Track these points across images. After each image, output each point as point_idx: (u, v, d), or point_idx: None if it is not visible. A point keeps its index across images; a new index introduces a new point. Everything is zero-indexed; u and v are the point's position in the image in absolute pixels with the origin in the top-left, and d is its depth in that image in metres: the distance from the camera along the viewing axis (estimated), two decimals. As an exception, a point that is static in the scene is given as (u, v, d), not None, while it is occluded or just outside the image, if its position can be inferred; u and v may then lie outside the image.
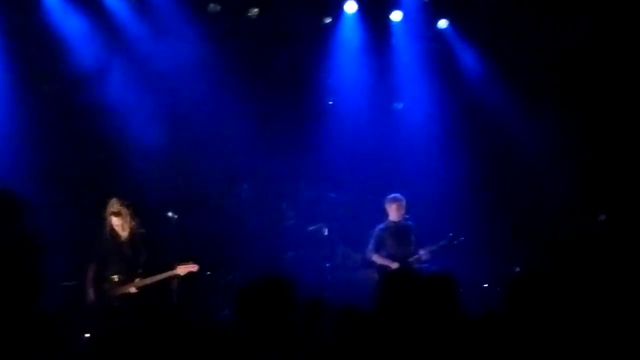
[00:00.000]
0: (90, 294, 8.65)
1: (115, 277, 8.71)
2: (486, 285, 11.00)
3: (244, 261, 10.44)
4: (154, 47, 10.86)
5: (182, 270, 8.76)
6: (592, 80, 11.79)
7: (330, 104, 12.48)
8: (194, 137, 11.24)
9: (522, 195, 12.15)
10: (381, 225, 10.62)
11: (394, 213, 10.56)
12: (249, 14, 11.17)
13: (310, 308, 5.20)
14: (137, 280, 8.72)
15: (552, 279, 4.65)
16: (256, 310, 4.63)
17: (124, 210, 8.76)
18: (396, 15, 11.95)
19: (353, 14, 11.88)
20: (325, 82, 12.28)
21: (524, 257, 10.94)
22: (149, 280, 8.74)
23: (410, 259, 10.37)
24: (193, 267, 8.84)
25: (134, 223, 8.82)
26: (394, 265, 10.16)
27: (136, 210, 8.98)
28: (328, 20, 11.85)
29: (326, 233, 11.27)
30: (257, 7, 11.15)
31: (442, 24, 12.18)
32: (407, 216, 10.64)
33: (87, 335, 8.16)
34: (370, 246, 10.56)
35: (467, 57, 12.49)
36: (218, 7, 10.95)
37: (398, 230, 10.58)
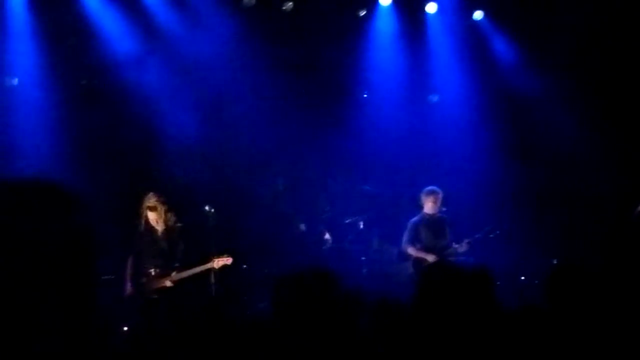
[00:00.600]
0: (129, 287, 8.78)
1: (152, 271, 8.80)
2: (523, 278, 10.95)
3: (280, 254, 10.47)
4: (190, 40, 10.90)
5: (217, 263, 8.82)
6: (631, 70, 11.65)
7: (365, 97, 12.47)
8: (230, 130, 11.28)
9: (559, 187, 12.05)
10: (416, 218, 10.60)
11: (430, 206, 10.53)
12: (284, 8, 11.18)
13: (348, 301, 5.20)
14: (173, 274, 8.80)
15: (592, 271, 4.61)
16: (298, 303, 4.64)
17: (160, 205, 8.86)
18: (431, 7, 11.90)
19: (388, 7, 11.85)
20: (360, 74, 12.27)
21: (561, 250, 10.86)
22: (184, 274, 8.83)
23: (447, 252, 10.35)
24: (227, 260, 8.91)
25: (169, 217, 8.91)
26: (430, 258, 10.13)
27: (172, 204, 9.07)
28: (363, 12, 11.83)
29: (362, 226, 11.27)
30: (291, 0, 11.15)
31: (478, 15, 12.11)
32: (444, 209, 10.61)
33: (126, 328, 8.26)
34: (405, 239, 10.54)
35: (503, 49, 12.41)
36: (253, 1, 10.97)
37: (433, 223, 10.56)
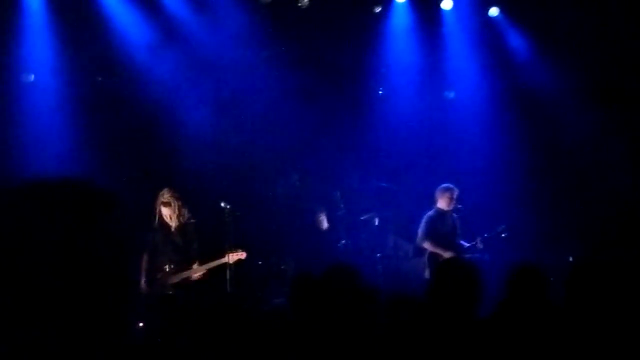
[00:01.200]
0: (143, 284, 8.81)
1: (167, 267, 8.84)
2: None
3: (295, 250, 10.48)
4: (207, 37, 10.92)
5: (231, 258, 8.86)
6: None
7: (380, 93, 12.46)
8: (246, 126, 11.30)
9: (575, 184, 12.01)
10: (431, 213, 10.59)
11: (446, 202, 10.52)
12: (300, 4, 11.18)
13: (364, 297, 5.21)
14: (194, 267, 8.85)
15: (611, 269, 4.60)
16: (316, 299, 4.67)
17: (174, 201, 8.89)
18: (447, 4, 11.86)
19: (403, 3, 11.84)
20: (376, 71, 12.26)
21: (576, 248, 10.82)
22: (199, 270, 8.86)
23: (463, 249, 10.35)
24: (241, 255, 8.96)
25: (183, 213, 8.94)
26: (447, 254, 10.13)
27: (187, 200, 9.10)
28: (378, 9, 11.81)
29: (377, 223, 11.27)
30: (307, -3, 11.16)
31: (493, 11, 12.06)
32: (460, 206, 10.61)
33: (141, 324, 8.28)
34: (421, 233, 10.53)
35: (518, 45, 12.37)
36: (269, -2, 10.99)
37: (447, 219, 10.56)
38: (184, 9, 10.86)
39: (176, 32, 10.87)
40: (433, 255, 10.34)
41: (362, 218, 11.25)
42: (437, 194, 10.61)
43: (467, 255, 10.21)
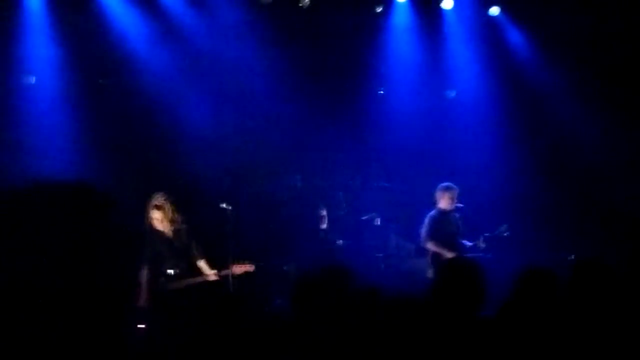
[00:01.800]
0: (143, 297, 8.61)
1: (170, 271, 8.75)
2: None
3: (297, 251, 10.47)
4: (206, 37, 10.93)
5: (237, 270, 8.79)
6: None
7: (381, 93, 12.46)
8: (247, 128, 11.31)
9: (576, 184, 12.01)
10: (433, 213, 10.58)
11: (446, 202, 10.51)
12: (301, 4, 11.17)
13: (365, 297, 5.20)
14: (192, 278, 8.77)
15: (611, 268, 4.61)
16: (316, 300, 4.65)
17: (167, 205, 8.76)
18: (447, 3, 11.86)
19: (404, 3, 11.85)
20: (376, 71, 12.25)
21: (576, 247, 10.81)
22: (197, 280, 8.79)
23: (465, 248, 10.35)
24: (250, 268, 8.87)
25: (177, 219, 8.81)
26: (449, 254, 10.14)
27: (187, 202, 9.03)
28: (379, 9, 11.81)
29: (378, 223, 11.27)
30: (308, -3, 11.16)
31: (494, 11, 12.06)
32: (461, 205, 10.59)
33: (142, 325, 8.25)
34: (424, 233, 10.52)
35: (520, 45, 12.37)
36: (270, -2, 11.00)
37: (449, 218, 10.55)
38: (185, 10, 10.86)
39: (177, 33, 10.87)
40: (436, 256, 10.33)
41: (363, 218, 11.25)
42: (437, 194, 10.60)
43: (470, 255, 10.20)
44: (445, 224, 10.51)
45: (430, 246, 10.45)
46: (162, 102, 10.72)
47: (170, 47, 10.88)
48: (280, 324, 5.08)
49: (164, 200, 8.71)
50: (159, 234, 8.77)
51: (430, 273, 10.31)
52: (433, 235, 10.45)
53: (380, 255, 11.05)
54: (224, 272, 8.80)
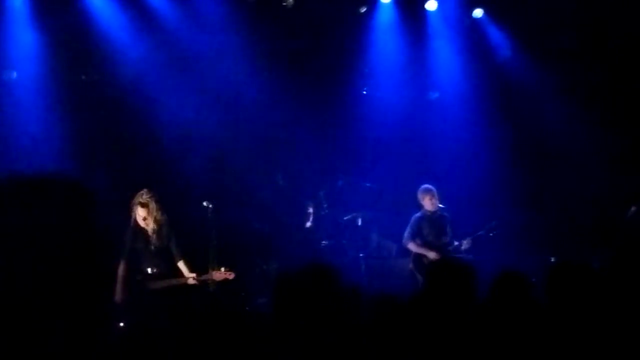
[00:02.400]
0: (119, 292, 8.62)
1: (149, 270, 8.73)
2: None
3: (279, 250, 10.47)
4: (191, 35, 10.90)
5: (217, 276, 8.76)
6: (630, 67, 11.65)
7: (364, 93, 12.47)
8: (229, 126, 11.28)
9: (558, 184, 12.06)
10: (418, 214, 10.60)
11: (427, 204, 10.53)
12: (285, 3, 11.16)
13: (347, 297, 5.20)
14: (176, 279, 8.75)
15: (590, 269, 4.63)
16: (299, 299, 4.65)
17: (152, 202, 8.74)
18: (431, 5, 11.89)
19: (388, 4, 11.85)
20: (360, 71, 12.27)
21: (559, 248, 10.86)
22: (175, 282, 8.76)
23: (449, 248, 10.37)
24: (229, 276, 8.83)
25: (159, 217, 8.79)
26: (431, 255, 10.16)
27: (167, 201, 9.00)
28: (363, 9, 11.82)
29: (360, 223, 11.27)
30: (292, -4, 11.15)
31: (477, 13, 12.10)
32: (443, 206, 10.61)
33: (121, 324, 8.22)
34: (407, 234, 10.55)
35: (503, 47, 12.41)
36: (254, -4, 10.98)
37: (434, 219, 10.57)
38: (168, 7, 10.82)
39: (160, 29, 10.83)
40: (417, 256, 10.36)
41: (345, 218, 11.25)
42: (419, 196, 10.62)
43: (454, 256, 10.22)
44: (429, 225, 10.52)
45: (411, 247, 10.47)
46: (144, 99, 10.68)
47: (154, 44, 10.84)
48: (262, 323, 5.07)
49: (149, 197, 8.70)
50: (141, 231, 8.76)
51: (414, 274, 10.34)
52: (414, 236, 10.47)
53: (362, 255, 11.05)
54: (203, 277, 8.77)
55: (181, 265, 8.89)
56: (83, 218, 1.92)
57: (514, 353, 4.47)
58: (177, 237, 8.91)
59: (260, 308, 9.38)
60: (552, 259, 10.52)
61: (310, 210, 10.69)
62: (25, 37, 10.24)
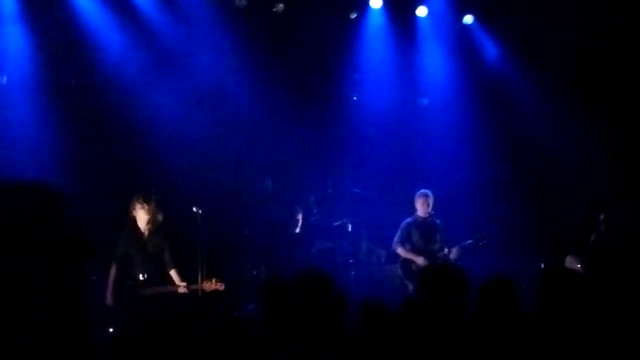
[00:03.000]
0: (109, 295, 8.67)
1: (140, 276, 8.73)
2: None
3: (268, 256, 10.45)
4: (179, 39, 10.88)
5: (207, 287, 8.75)
6: (619, 75, 11.69)
7: (355, 100, 12.47)
8: (219, 131, 11.26)
9: (547, 190, 12.07)
10: (409, 219, 10.60)
11: (420, 208, 10.54)
12: (275, 9, 11.16)
13: (337, 303, 5.19)
14: (166, 287, 8.74)
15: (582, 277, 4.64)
16: (291, 304, 4.64)
17: (147, 207, 8.77)
18: (421, 11, 11.91)
19: (378, 10, 11.86)
20: (350, 77, 12.27)
21: (550, 253, 10.86)
22: (165, 290, 8.75)
23: (438, 255, 10.35)
24: (220, 287, 8.82)
25: (157, 219, 8.82)
26: (420, 260, 10.15)
27: (160, 206, 9.00)
28: (353, 15, 11.83)
29: (350, 228, 11.26)
30: (282, 2, 11.14)
31: (468, 19, 12.13)
32: (432, 212, 10.59)
33: (111, 329, 8.20)
34: (396, 239, 10.54)
35: (493, 53, 12.45)
36: (244, 2, 10.95)
37: (425, 226, 10.56)
38: (158, 13, 10.80)
39: (149, 34, 10.81)
40: (406, 261, 10.35)
41: (335, 224, 11.24)
42: (415, 200, 10.63)
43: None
44: (419, 231, 10.51)
45: (400, 252, 10.46)
46: (133, 103, 10.65)
47: (143, 49, 10.81)
48: (251, 329, 5.06)
49: (151, 200, 8.73)
50: (137, 235, 8.77)
51: (402, 280, 10.33)
52: (403, 241, 10.46)
53: (351, 261, 11.04)
54: (193, 287, 8.75)
55: (173, 273, 8.91)
56: (51, 221, 1.92)
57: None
58: (171, 245, 8.92)
59: (249, 314, 9.35)
60: (542, 265, 10.57)
61: (300, 216, 10.67)
62: (14, 42, 10.20)
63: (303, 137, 11.49)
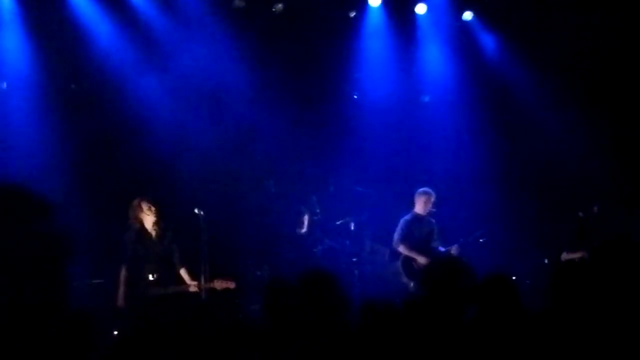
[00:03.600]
0: (121, 297, 8.68)
1: (150, 276, 8.74)
2: (514, 278, 10.93)
3: (271, 256, 10.45)
4: (179, 42, 10.88)
5: (219, 285, 8.77)
6: (619, 71, 11.68)
7: (355, 98, 12.47)
8: (219, 132, 11.26)
9: (551, 189, 12.05)
10: (407, 217, 10.59)
11: (421, 206, 10.53)
12: (274, 9, 11.17)
13: (341, 303, 5.19)
14: (171, 287, 8.76)
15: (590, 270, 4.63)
16: (296, 304, 4.64)
17: (154, 209, 8.79)
18: (421, 8, 11.90)
19: (377, 8, 11.85)
20: (350, 76, 12.27)
21: (551, 251, 10.84)
22: (176, 289, 8.77)
23: (439, 253, 10.35)
24: (231, 285, 8.85)
25: (162, 222, 8.84)
26: (421, 259, 10.15)
27: (164, 209, 9.01)
28: (353, 14, 11.83)
29: (353, 227, 11.26)
30: (281, 2, 11.14)
31: (467, 16, 12.12)
32: (434, 210, 10.59)
33: (116, 332, 8.20)
34: (397, 236, 10.52)
35: (492, 49, 12.44)
36: (243, 3, 10.96)
37: (424, 223, 10.56)
38: (157, 15, 10.80)
39: (150, 38, 10.81)
40: (407, 260, 10.35)
41: (338, 223, 11.23)
42: (415, 197, 10.63)
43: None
44: (419, 228, 10.52)
45: (402, 249, 10.45)
46: (133, 105, 10.65)
47: (144, 53, 10.82)
48: (255, 330, 5.06)
49: (151, 204, 8.76)
50: (145, 236, 8.79)
51: (401, 277, 10.33)
52: (405, 239, 10.45)
53: (355, 260, 11.03)
54: (205, 286, 8.76)
55: (183, 272, 8.92)
56: (33, 225, 1.92)
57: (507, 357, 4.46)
58: (180, 244, 8.94)
59: (253, 315, 9.35)
60: (546, 260, 10.57)
61: (306, 216, 10.66)
62: (15, 47, 10.21)
63: (304, 137, 11.48)
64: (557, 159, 12.00)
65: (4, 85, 10.33)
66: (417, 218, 10.55)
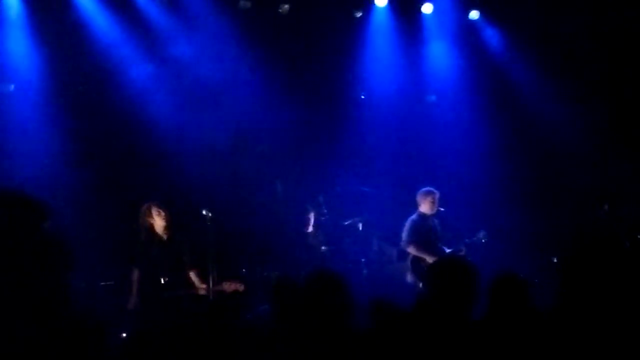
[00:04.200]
0: (133, 299, 8.70)
1: (162, 280, 8.76)
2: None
3: (279, 258, 10.44)
4: (186, 43, 10.89)
5: (228, 287, 8.78)
6: (627, 68, 11.66)
7: (362, 98, 12.47)
8: (227, 133, 11.26)
9: (556, 186, 12.04)
10: (414, 217, 10.55)
11: (427, 206, 10.50)
12: (280, 10, 11.17)
13: (349, 303, 5.18)
14: (182, 290, 8.77)
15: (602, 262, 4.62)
16: (304, 305, 4.64)
17: (164, 213, 8.81)
18: (427, 8, 11.90)
19: (384, 8, 11.85)
20: (357, 76, 12.26)
21: (558, 249, 10.82)
22: (186, 292, 8.79)
23: (446, 252, 10.33)
24: (240, 287, 8.86)
25: (172, 226, 8.86)
26: (430, 259, 10.12)
27: (174, 211, 9.02)
28: (359, 14, 11.83)
29: (361, 227, 11.25)
30: (287, 3, 11.15)
31: (474, 15, 12.11)
32: (442, 209, 10.58)
33: (124, 335, 8.21)
34: (406, 236, 10.48)
35: (499, 48, 12.42)
36: (248, 4, 10.96)
37: (429, 223, 10.54)
38: (164, 18, 10.81)
39: (156, 38, 10.82)
40: (416, 260, 10.32)
41: (345, 223, 11.22)
42: (419, 198, 10.59)
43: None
44: (426, 228, 10.49)
45: (411, 250, 10.41)
46: (143, 109, 10.66)
47: (152, 54, 10.84)
48: (262, 330, 5.06)
49: (162, 208, 8.79)
50: (156, 238, 8.81)
51: (409, 277, 10.31)
52: (414, 239, 10.42)
53: (363, 260, 11.01)
54: (215, 288, 8.78)
55: (193, 275, 8.93)
56: (30, 231, 1.92)
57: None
58: (190, 247, 8.95)
59: (261, 316, 9.35)
60: (555, 260, 10.53)
61: (311, 215, 10.64)
62: (22, 50, 10.23)
63: (311, 137, 11.49)
64: (565, 158, 11.98)
65: (11, 87, 10.35)
66: (424, 218, 10.53)
